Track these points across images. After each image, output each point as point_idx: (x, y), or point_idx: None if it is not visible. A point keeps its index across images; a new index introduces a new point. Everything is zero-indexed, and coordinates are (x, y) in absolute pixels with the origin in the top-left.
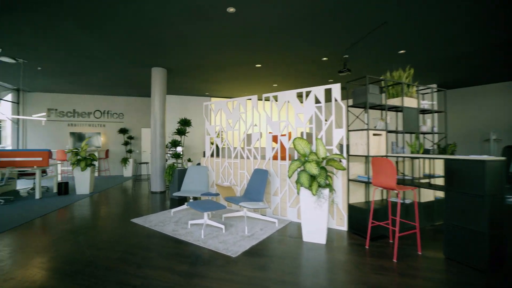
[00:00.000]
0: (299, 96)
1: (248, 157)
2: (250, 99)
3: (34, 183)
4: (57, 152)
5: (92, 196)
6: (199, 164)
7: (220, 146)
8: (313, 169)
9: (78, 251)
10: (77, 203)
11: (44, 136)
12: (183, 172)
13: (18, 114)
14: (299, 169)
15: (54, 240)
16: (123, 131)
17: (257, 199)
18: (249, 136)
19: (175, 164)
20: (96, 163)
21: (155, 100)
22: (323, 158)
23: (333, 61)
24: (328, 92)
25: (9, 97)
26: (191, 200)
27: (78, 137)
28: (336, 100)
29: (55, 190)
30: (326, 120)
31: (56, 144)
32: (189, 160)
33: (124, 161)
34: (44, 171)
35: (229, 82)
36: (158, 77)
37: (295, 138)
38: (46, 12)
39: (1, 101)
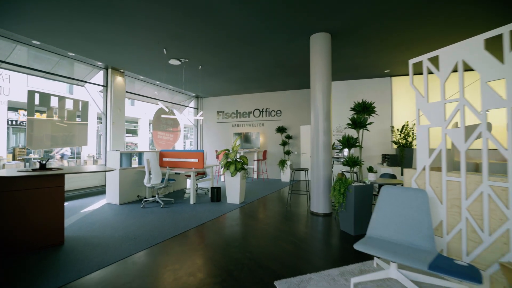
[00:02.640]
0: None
1: None
2: None
3: (197, 185)
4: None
5: (241, 208)
6: (398, 184)
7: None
8: None
9: None
10: (223, 217)
11: (214, 137)
12: (363, 192)
13: (199, 119)
14: None
15: None
16: (280, 129)
17: None
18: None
19: (347, 177)
20: (249, 167)
21: (315, 80)
22: None
23: None
24: None
25: (192, 103)
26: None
27: (245, 138)
28: None
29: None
30: None
31: (223, 145)
32: (370, 170)
33: (282, 163)
34: (204, 173)
35: (430, 42)
36: (318, 47)
37: None
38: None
39: (187, 108)
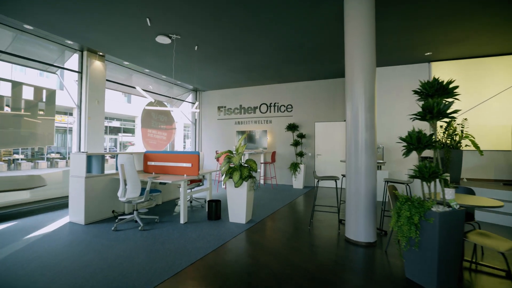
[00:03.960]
0: None
1: None
2: None
3: (192, 195)
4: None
5: (248, 232)
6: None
7: None
8: None
9: None
10: (224, 250)
11: (215, 136)
12: (451, 222)
13: (196, 114)
14: None
15: None
16: (292, 127)
17: None
18: None
19: (424, 200)
20: (257, 174)
21: (352, 56)
22: None
23: None
24: None
25: (189, 98)
26: None
27: (249, 137)
28: None
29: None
30: None
31: (225, 145)
32: (446, 184)
33: (294, 167)
34: (200, 180)
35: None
36: (357, 12)
37: None
38: None
39: (184, 103)
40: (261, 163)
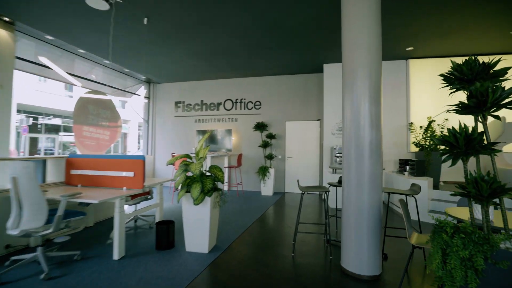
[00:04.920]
0: None
1: None
2: None
3: (136, 212)
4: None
5: (212, 267)
6: None
7: None
8: None
9: None
10: None
11: (171, 136)
12: None
13: (149, 110)
14: None
15: None
16: (260, 126)
17: None
18: None
19: (489, 233)
20: (223, 186)
21: (354, 31)
22: None
23: None
24: None
25: (141, 91)
26: None
27: (212, 137)
28: None
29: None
30: None
31: (184, 146)
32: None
33: (263, 171)
34: (148, 193)
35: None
36: None
37: None
38: None
39: (134, 96)
40: (225, 167)
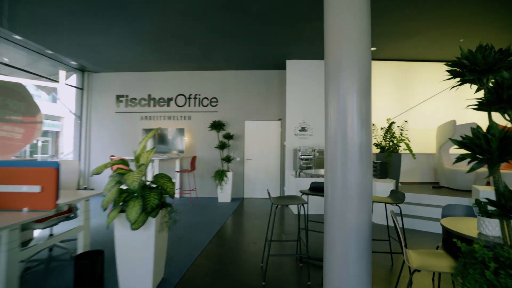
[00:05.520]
0: None
1: None
2: None
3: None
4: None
5: None
6: None
7: None
8: None
9: None
10: None
11: (111, 135)
12: None
13: (82, 103)
14: None
15: None
16: (217, 126)
17: None
18: None
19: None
20: (173, 200)
21: (340, 6)
22: None
23: None
24: None
25: (73, 80)
26: None
27: (161, 137)
28: None
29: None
30: None
31: (127, 149)
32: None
33: (220, 175)
34: (69, 211)
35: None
36: None
37: None
38: None
39: (63, 85)
40: (177, 171)
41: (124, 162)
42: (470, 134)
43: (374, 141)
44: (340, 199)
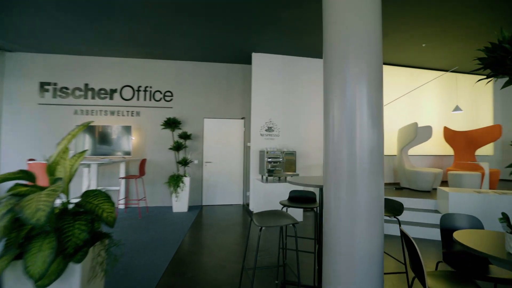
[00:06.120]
0: None
1: None
2: None
3: None
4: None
5: None
6: None
7: None
8: None
9: None
10: None
11: (32, 134)
12: None
13: None
14: None
15: None
16: (171, 123)
17: None
18: None
19: None
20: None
21: None
22: None
23: None
24: None
25: None
26: None
27: (101, 136)
28: None
29: None
30: None
31: (50, 151)
32: None
33: (175, 181)
34: None
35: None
36: None
37: None
38: None
39: None
40: (121, 178)
41: (28, 176)
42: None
43: None
44: (346, 219)
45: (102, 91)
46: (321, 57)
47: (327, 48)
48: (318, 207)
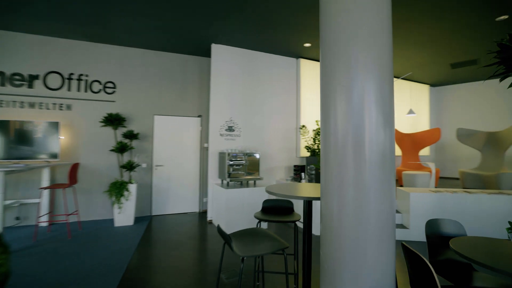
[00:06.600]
0: None
1: None
2: None
3: None
4: None
5: None
6: None
7: None
8: None
9: None
10: None
11: None
12: None
13: None
14: None
15: None
16: (114, 120)
17: None
18: None
19: None
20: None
21: None
22: None
23: None
24: None
25: None
26: None
27: (19, 135)
28: None
29: None
30: None
31: None
32: None
33: (118, 190)
34: None
35: None
36: None
37: None
38: None
39: None
40: (43, 188)
41: None
42: None
43: (304, 143)
44: (353, 238)
45: (17, 77)
46: (284, 55)
47: (322, 42)
48: (302, 221)
